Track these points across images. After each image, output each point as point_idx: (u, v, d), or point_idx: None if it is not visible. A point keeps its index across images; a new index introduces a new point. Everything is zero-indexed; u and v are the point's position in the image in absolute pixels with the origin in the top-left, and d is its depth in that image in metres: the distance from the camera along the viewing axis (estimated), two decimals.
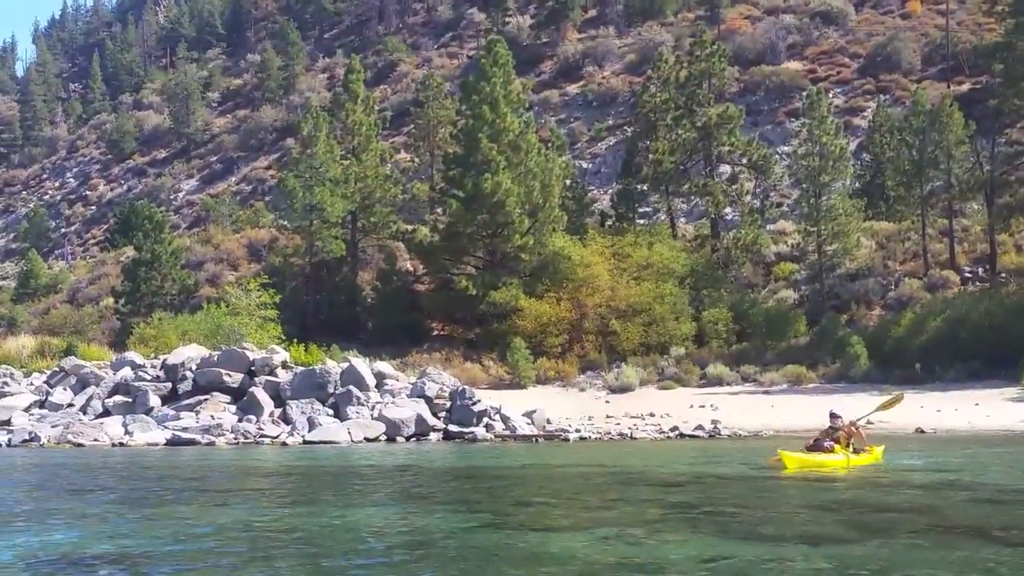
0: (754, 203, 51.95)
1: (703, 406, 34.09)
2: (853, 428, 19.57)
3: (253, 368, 32.22)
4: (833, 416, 19.99)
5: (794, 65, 76.57)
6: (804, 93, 53.48)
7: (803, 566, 8.46)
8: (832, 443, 18.89)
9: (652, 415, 33.11)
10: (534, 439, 29.20)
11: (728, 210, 53.24)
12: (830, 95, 63.02)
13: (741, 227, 50.64)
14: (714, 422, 30.55)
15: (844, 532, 10.59)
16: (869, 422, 22.81)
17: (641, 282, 45.87)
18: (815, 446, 18.90)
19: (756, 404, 34.85)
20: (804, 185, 47.70)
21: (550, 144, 55.85)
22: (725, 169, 54.82)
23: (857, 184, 55.56)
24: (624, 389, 39.30)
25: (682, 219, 58.51)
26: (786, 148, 58.08)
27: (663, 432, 30.10)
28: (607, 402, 36.97)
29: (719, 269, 49.76)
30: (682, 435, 29.24)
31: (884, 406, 21.89)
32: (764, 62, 77.10)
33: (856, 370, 38.83)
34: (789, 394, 37.22)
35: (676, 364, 42.32)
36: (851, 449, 18.98)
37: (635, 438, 29.05)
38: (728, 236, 51.20)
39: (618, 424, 31.74)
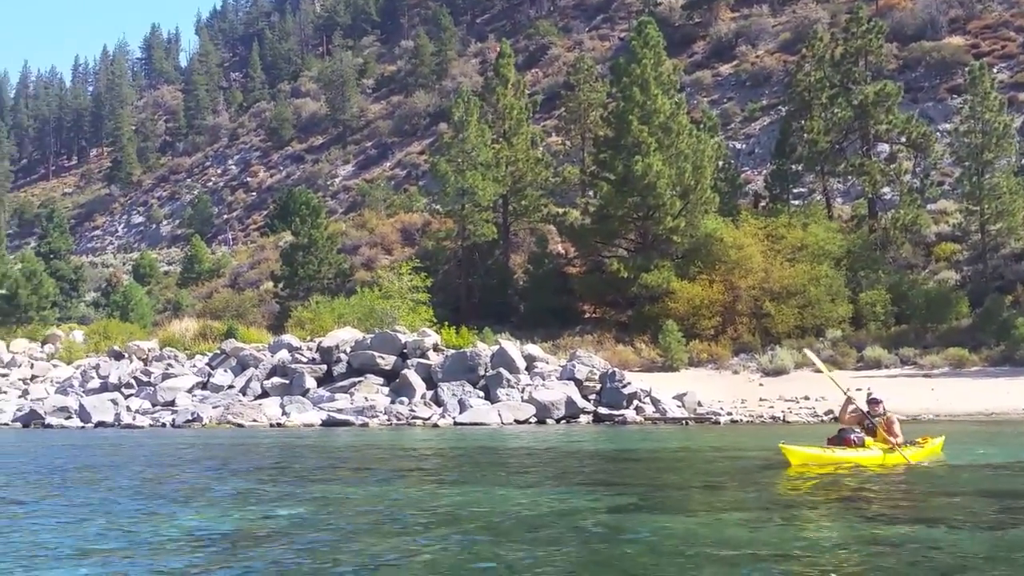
0: (913, 182, 50.49)
1: (859, 389, 33.31)
2: (894, 421, 16.42)
3: (405, 351, 32.72)
4: (872, 402, 16.62)
5: (956, 40, 74.14)
6: (966, 68, 51.81)
7: (950, 554, 8.22)
8: (862, 435, 15.82)
9: (807, 398, 32.62)
10: (684, 422, 29.03)
11: (886, 190, 51.93)
12: (994, 70, 60.92)
13: (900, 207, 49.36)
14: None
15: (990, 518, 10.27)
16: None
17: (796, 264, 45.12)
18: (839, 438, 15.82)
19: (915, 387, 33.99)
20: (966, 163, 46.17)
21: (702, 125, 55.18)
22: (883, 148, 53.53)
23: (1023, 161, 53.67)
24: (778, 372, 38.74)
25: (838, 199, 57.25)
26: (947, 126, 56.31)
27: (817, 415, 29.65)
28: (761, 385, 36.52)
29: (877, 250, 48.60)
30: (836, 419, 28.65)
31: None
32: (924, 37, 74.81)
33: (1022, 352, 37.59)
34: (950, 377, 36.24)
35: (832, 347, 41.50)
36: (897, 442, 15.92)
37: (788, 421, 28.68)
38: (886, 216, 49.98)
39: (771, 407, 31.37)
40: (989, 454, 17.91)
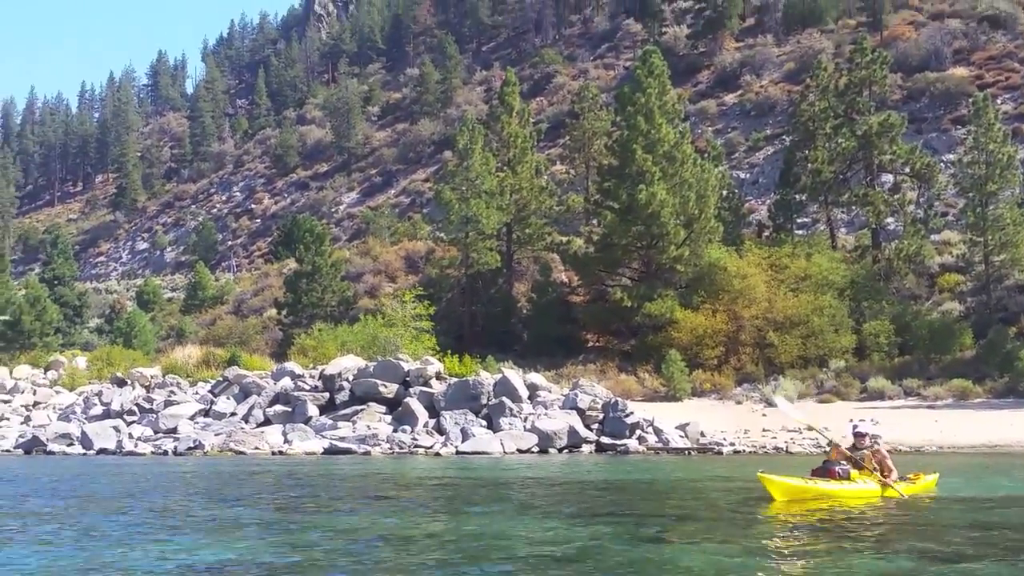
0: (917, 213, 50.49)
1: (862, 420, 33.23)
2: (885, 454, 16.12)
3: (408, 379, 32.70)
4: (858, 435, 16.36)
5: (960, 71, 74.26)
6: (970, 99, 51.82)
7: None
8: (847, 468, 15.35)
9: (810, 429, 32.44)
10: (687, 452, 28.96)
11: (890, 220, 51.93)
12: (998, 101, 61.13)
13: (904, 237, 49.37)
14: (873, 437, 29.78)
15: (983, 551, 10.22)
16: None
17: (799, 294, 45.11)
18: (823, 469, 15.35)
19: (918, 419, 33.92)
20: (970, 194, 46.19)
21: (706, 154, 55.34)
22: (887, 178, 53.60)
23: None
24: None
25: (842, 229, 57.33)
26: (951, 156, 56.39)
27: (820, 446, 29.51)
28: (764, 415, 36.39)
29: (880, 280, 48.57)
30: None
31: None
32: (928, 68, 74.96)
33: None
34: (954, 409, 36.15)
35: (835, 377, 41.47)
36: (881, 475, 15.64)
37: (791, 452, 28.60)
38: (890, 247, 49.98)
39: (774, 438, 31.28)
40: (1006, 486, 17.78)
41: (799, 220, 55.71)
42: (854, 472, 15.39)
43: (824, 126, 51.67)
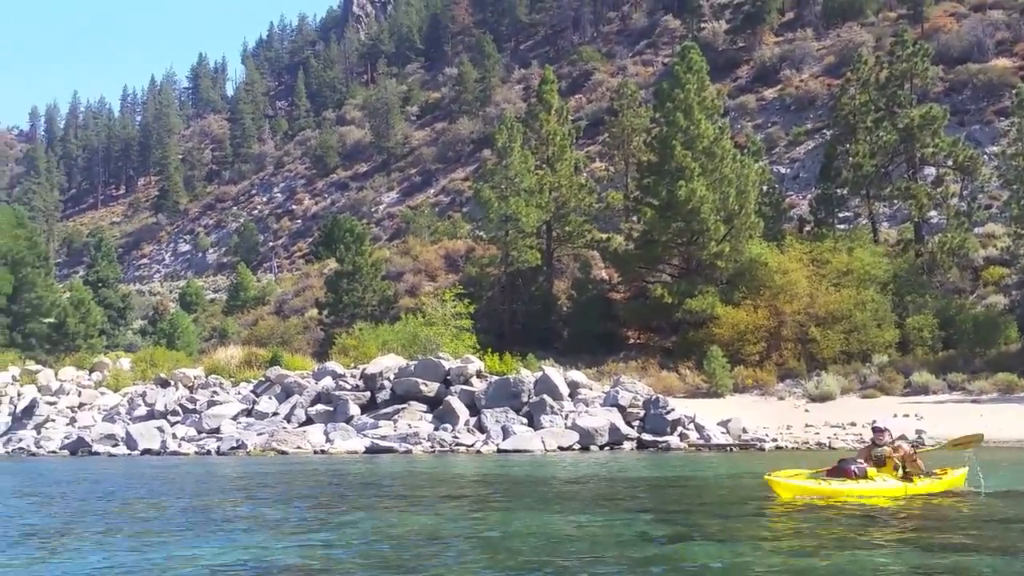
0: (961, 206, 49.96)
1: (907, 415, 33.06)
2: (910, 451, 15.69)
3: (448, 377, 32.75)
4: (877, 430, 15.83)
5: (1002, 62, 73.44)
6: (1013, 91, 51.24)
7: None
8: (864, 466, 14.91)
9: (853, 424, 32.27)
10: (728, 448, 28.84)
11: (933, 213, 51.51)
12: None
13: (947, 231, 48.88)
14: (918, 431, 29.62)
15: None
16: (917, 444, 16.66)
17: (841, 289, 44.76)
18: (838, 469, 14.96)
19: (963, 413, 33.54)
20: (1014, 186, 45.61)
21: (746, 150, 55.02)
22: (929, 171, 53.07)
23: None
24: (824, 398, 38.41)
25: (884, 223, 56.86)
26: (994, 148, 55.78)
27: (864, 441, 29.29)
28: (806, 411, 36.21)
29: (924, 274, 48.14)
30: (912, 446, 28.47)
31: (960, 443, 17.37)
32: (971, 60, 74.20)
33: None
34: (1000, 403, 35.75)
35: (879, 372, 41.12)
36: (900, 474, 15.09)
37: (834, 447, 28.41)
38: (933, 240, 49.50)
39: (817, 433, 31.09)
40: None
41: (841, 214, 55.34)
42: (872, 470, 14.87)
43: (865, 119, 51.24)
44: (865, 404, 36.71)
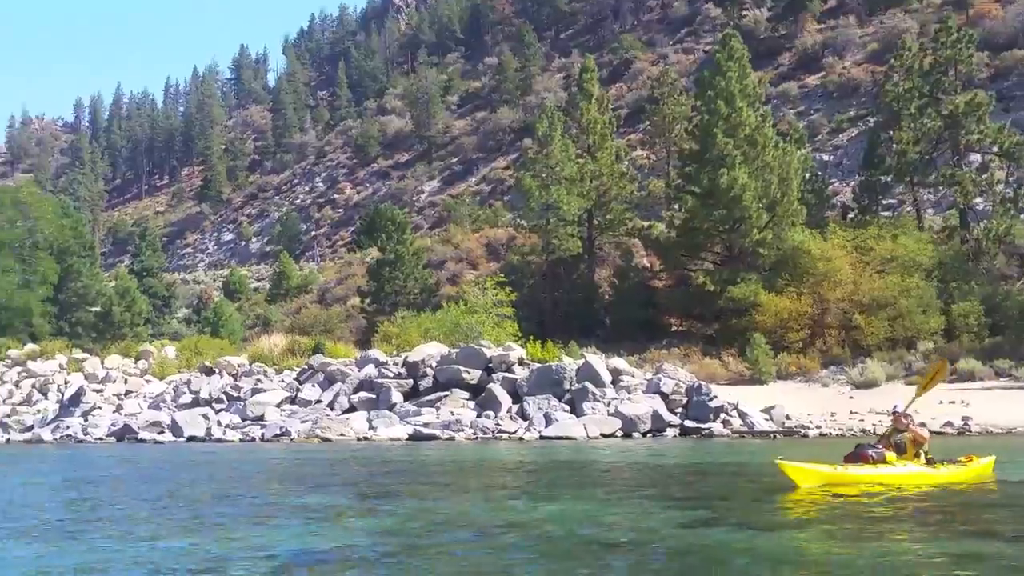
0: (1007, 192, 49.46)
1: (952, 402, 32.83)
2: (920, 430, 15.00)
3: (491, 365, 32.82)
4: (897, 415, 15.05)
5: None
6: None
7: None
8: (882, 451, 14.24)
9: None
10: (772, 435, 28.73)
11: (978, 200, 51.00)
12: None
13: (993, 217, 48.43)
14: (964, 418, 29.43)
15: None
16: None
17: (885, 276, 44.46)
18: (856, 454, 14.26)
19: (1011, 400, 33.28)
20: None
21: (788, 137, 54.72)
22: (975, 158, 52.59)
23: None
24: (869, 385, 38.15)
25: (929, 210, 56.40)
26: None
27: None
28: (851, 398, 35.99)
29: (969, 261, 47.69)
30: (929, 432, 28.27)
31: (927, 383, 17.06)
32: (1016, 46, 73.44)
33: None
34: None
35: (924, 359, 40.76)
36: (923, 460, 14.59)
37: (879, 435, 28.20)
38: (978, 227, 49.06)
39: (861, 420, 30.92)
40: None
41: (884, 202, 54.93)
42: (891, 456, 14.23)
43: (909, 106, 50.77)
44: (910, 391, 36.28)
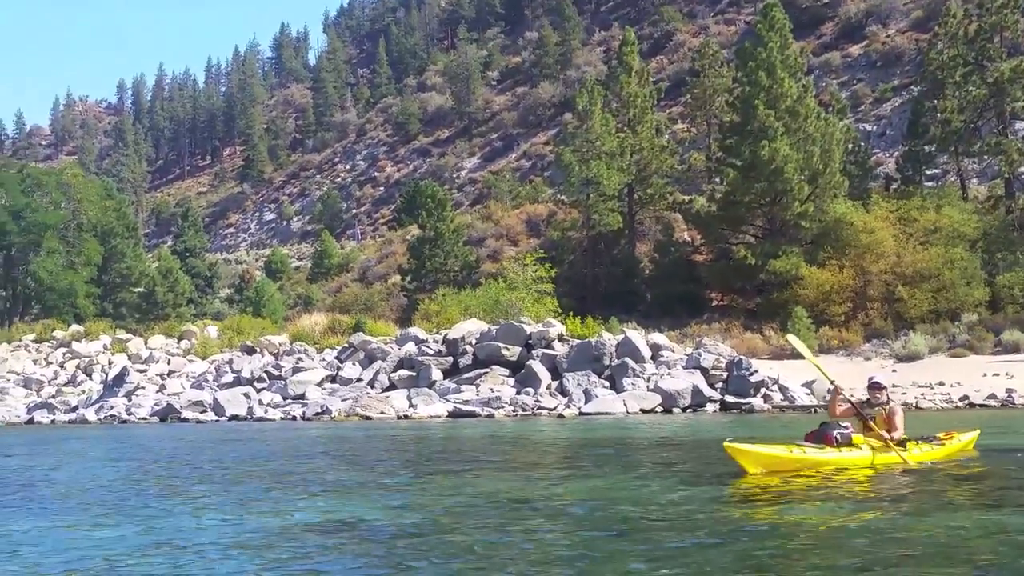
0: None
1: (997, 374, 32.49)
2: (895, 408, 13.49)
3: (530, 341, 32.78)
4: (874, 387, 13.63)
5: None
6: None
7: None
8: (848, 432, 12.67)
9: (941, 384, 31.79)
10: (813, 409, 28.51)
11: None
12: None
13: None
14: (1008, 391, 29.09)
15: None
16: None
17: (929, 247, 44.00)
18: (819, 433, 12.73)
19: None
20: None
21: (830, 108, 54.25)
22: (1020, 126, 52.02)
23: None
24: (912, 358, 37.84)
25: (973, 180, 55.83)
26: None
27: (951, 401, 28.93)
28: (894, 371, 35.66)
29: (1014, 231, 47.11)
30: (972, 404, 28.06)
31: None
32: None
33: None
34: None
35: (968, 331, 40.37)
36: (894, 436, 12.98)
37: (920, 407, 28.01)
38: None
39: (904, 393, 30.63)
40: None
41: (928, 172, 54.35)
42: (858, 437, 12.75)
43: (954, 74, 50.13)
44: (954, 363, 36.15)
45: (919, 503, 10.14)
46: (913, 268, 43.12)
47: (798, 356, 38.08)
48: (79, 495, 12.41)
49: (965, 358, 37.14)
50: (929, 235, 44.72)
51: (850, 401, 13.54)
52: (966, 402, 28.39)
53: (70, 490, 13.02)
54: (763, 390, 29.80)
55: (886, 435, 12.94)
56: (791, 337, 16.00)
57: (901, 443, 13.08)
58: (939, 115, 50.18)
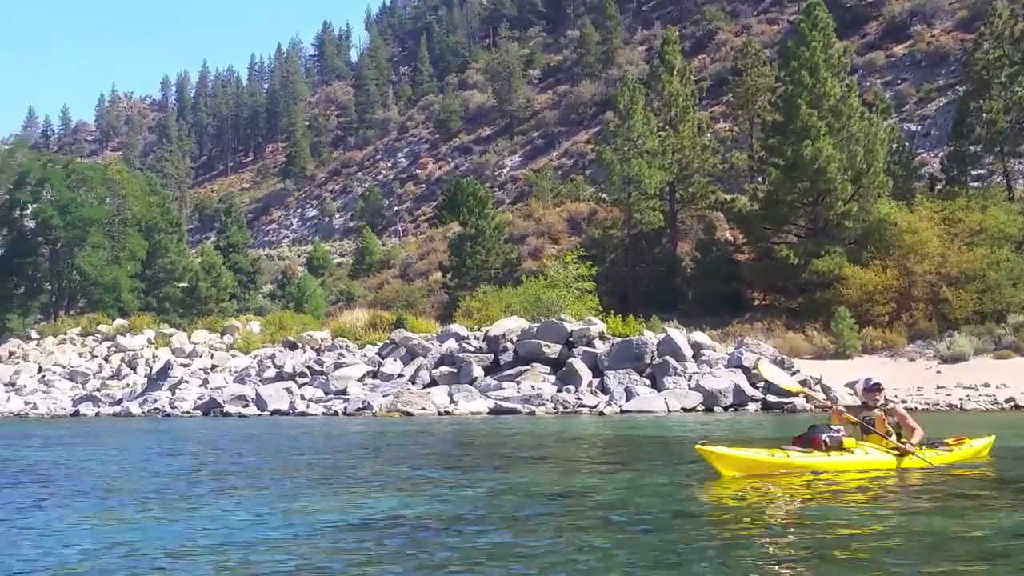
0: None
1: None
2: (904, 413, 12.95)
3: (571, 339, 32.83)
4: (871, 388, 13.11)
5: None
6: None
7: None
8: (839, 435, 12.14)
9: (987, 385, 31.56)
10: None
11: None
12: None
13: None
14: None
15: None
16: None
17: (974, 248, 43.65)
18: (807, 437, 12.22)
19: None
20: None
21: (874, 107, 53.90)
22: None
23: None
24: (956, 359, 37.58)
25: (1019, 181, 55.24)
26: None
27: (996, 403, 28.70)
28: (938, 372, 35.49)
29: None
30: (1017, 406, 27.82)
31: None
32: None
33: None
34: None
35: (1014, 332, 40.00)
36: (898, 439, 12.46)
37: (965, 409, 27.84)
38: None
39: (948, 395, 30.46)
40: None
41: (974, 172, 53.91)
42: (850, 441, 12.22)
43: (999, 74, 49.78)
44: (999, 365, 35.86)
45: (946, 503, 10.10)
46: (958, 269, 42.78)
47: (841, 356, 38.04)
48: (130, 488, 12.49)
49: (1011, 360, 36.82)
50: (974, 236, 44.38)
51: (851, 418, 12.72)
52: (1011, 404, 28.16)
53: (119, 482, 13.14)
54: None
55: (893, 439, 12.49)
56: (761, 364, 15.02)
57: (901, 450, 12.43)
58: (984, 115, 49.80)
